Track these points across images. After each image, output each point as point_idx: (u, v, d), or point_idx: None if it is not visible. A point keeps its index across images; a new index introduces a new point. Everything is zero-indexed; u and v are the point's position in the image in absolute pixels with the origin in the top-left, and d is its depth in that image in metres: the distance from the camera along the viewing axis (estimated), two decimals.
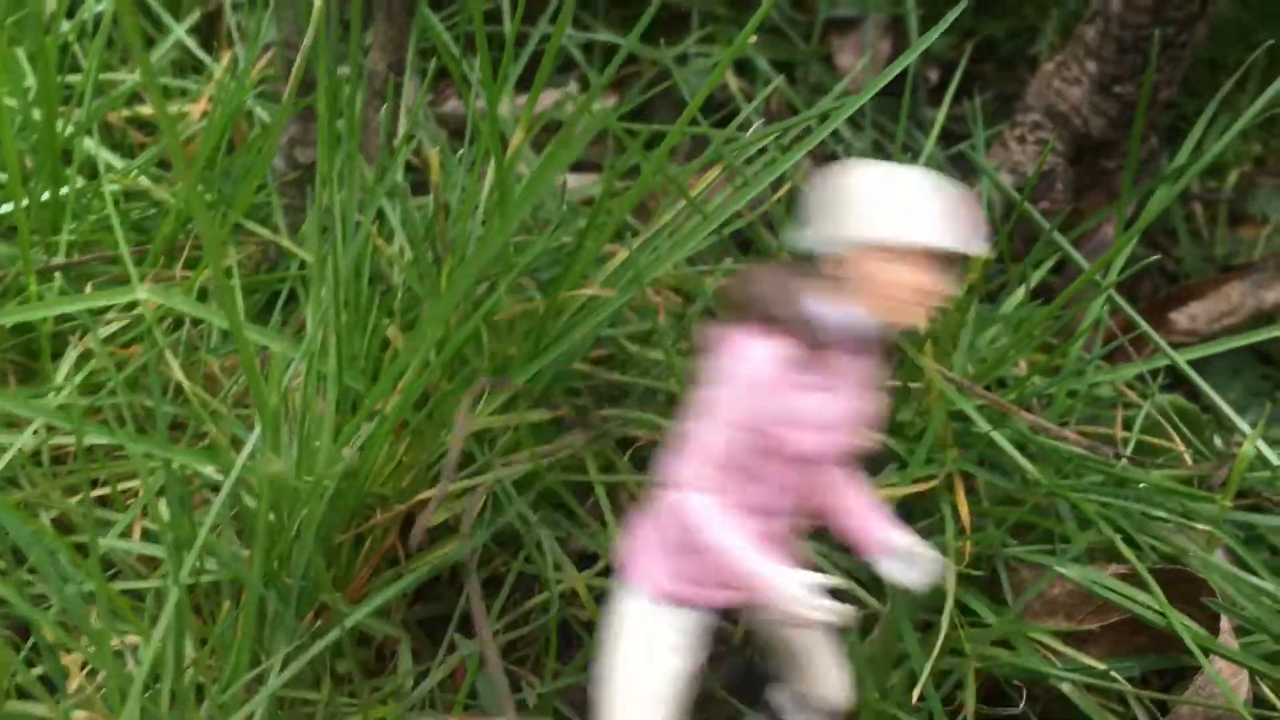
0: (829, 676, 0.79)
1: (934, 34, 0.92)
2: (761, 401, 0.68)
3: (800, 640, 0.79)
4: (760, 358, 0.68)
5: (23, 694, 0.80)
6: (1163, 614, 0.87)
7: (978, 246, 0.66)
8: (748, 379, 0.68)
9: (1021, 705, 0.89)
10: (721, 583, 0.72)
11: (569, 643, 0.93)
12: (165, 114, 0.55)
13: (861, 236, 0.65)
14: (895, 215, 0.64)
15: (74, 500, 0.91)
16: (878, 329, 0.69)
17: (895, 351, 0.73)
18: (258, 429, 0.81)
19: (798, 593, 0.66)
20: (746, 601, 0.73)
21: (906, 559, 0.74)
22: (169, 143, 0.54)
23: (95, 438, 0.85)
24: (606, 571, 0.92)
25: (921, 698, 0.85)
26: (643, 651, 0.73)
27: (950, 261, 0.66)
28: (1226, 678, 0.85)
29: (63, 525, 0.93)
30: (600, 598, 0.90)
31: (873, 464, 0.97)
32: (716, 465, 0.69)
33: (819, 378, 0.69)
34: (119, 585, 0.87)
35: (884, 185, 0.66)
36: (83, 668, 0.84)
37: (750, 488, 0.71)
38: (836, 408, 0.70)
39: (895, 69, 0.93)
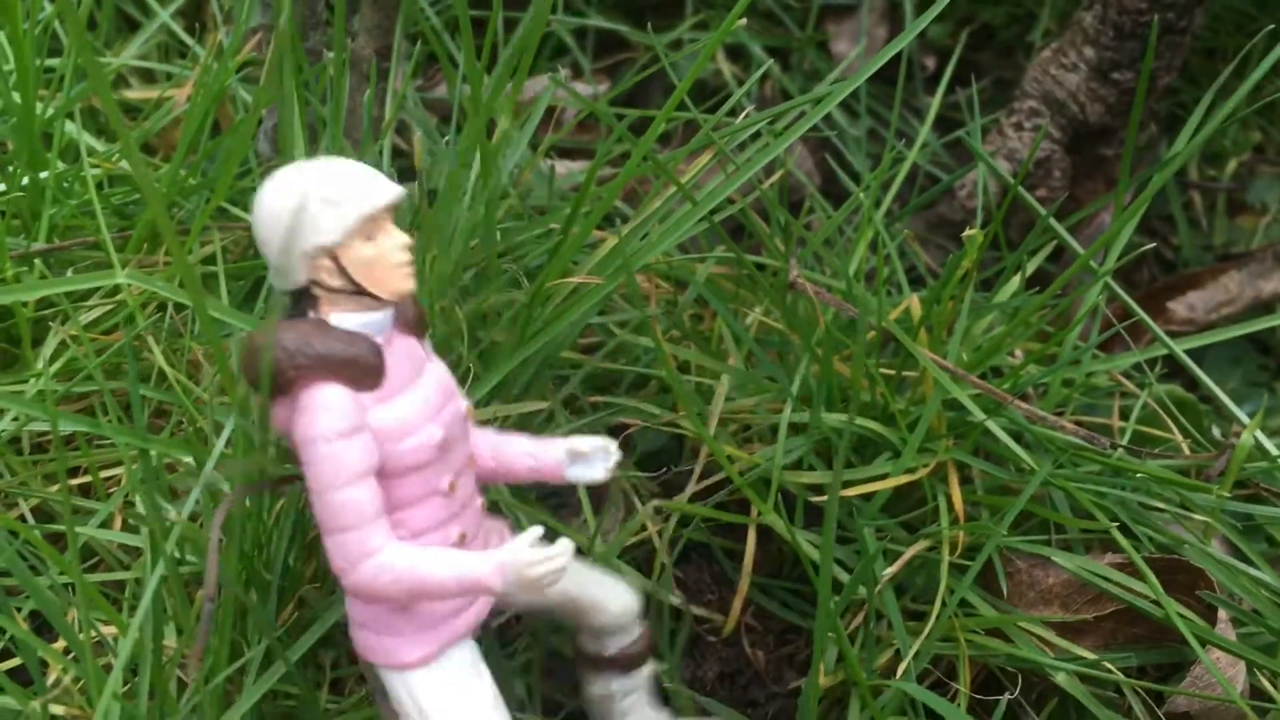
0: (607, 594, 0.80)
1: (928, 16, 0.91)
2: (361, 440, 0.67)
3: (564, 586, 0.77)
4: (330, 406, 0.66)
5: None
6: (1159, 604, 0.85)
7: (397, 187, 0.68)
8: (333, 431, 0.66)
9: (1015, 693, 0.87)
10: (453, 610, 0.72)
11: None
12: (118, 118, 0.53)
13: (326, 240, 0.66)
14: (336, 203, 0.66)
15: (55, 489, 0.90)
16: (386, 311, 0.69)
17: (423, 322, 0.73)
18: (233, 418, 0.79)
19: (526, 558, 0.66)
20: (484, 608, 0.74)
21: (583, 461, 0.76)
22: (123, 143, 0.53)
23: (72, 426, 0.84)
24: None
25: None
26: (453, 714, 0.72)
27: (391, 215, 0.68)
28: (1224, 669, 0.84)
29: (43, 514, 0.92)
30: None
31: (865, 451, 0.96)
32: (370, 520, 0.67)
33: (394, 379, 0.69)
34: (98, 576, 0.86)
35: (309, 185, 0.66)
36: (67, 653, 0.82)
37: (418, 512, 0.70)
38: (429, 391, 0.71)
39: (889, 52, 0.92)
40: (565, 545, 0.67)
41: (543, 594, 0.71)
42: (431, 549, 0.69)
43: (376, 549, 0.67)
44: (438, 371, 0.72)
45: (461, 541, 0.72)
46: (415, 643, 0.71)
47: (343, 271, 0.67)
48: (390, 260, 0.67)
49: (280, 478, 0.75)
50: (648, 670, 0.84)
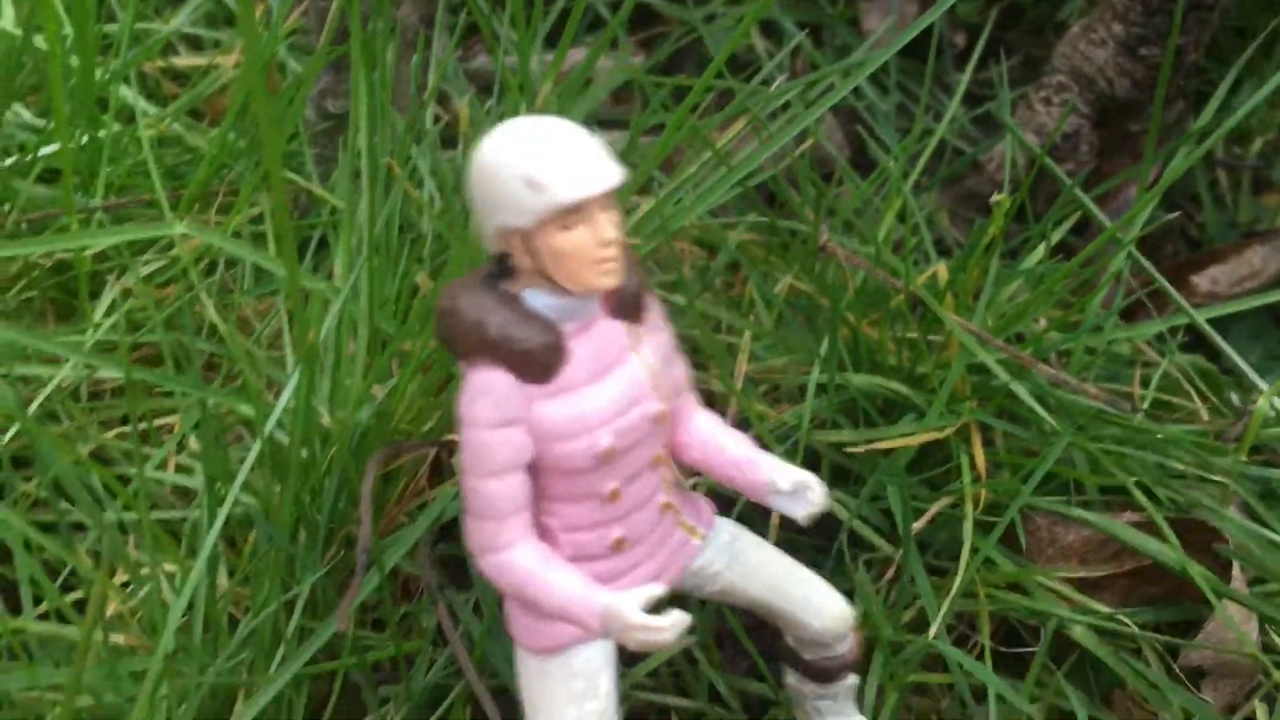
0: (814, 604, 0.76)
1: None
2: (512, 435, 0.64)
3: (765, 587, 0.75)
4: (487, 392, 0.64)
5: (62, 618, 0.83)
6: (1176, 560, 0.88)
7: (614, 173, 0.62)
8: (485, 419, 0.64)
9: (1040, 647, 0.90)
10: None
11: None
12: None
13: (517, 222, 0.62)
14: (537, 187, 0.61)
15: (111, 434, 0.94)
16: (585, 302, 0.65)
17: (638, 306, 0.67)
18: (295, 369, 0.82)
19: (630, 620, 0.64)
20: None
21: (791, 495, 0.71)
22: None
23: (141, 376, 0.88)
24: None
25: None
26: (544, 712, 0.70)
27: (606, 202, 0.63)
28: (1238, 622, 0.87)
29: (100, 459, 0.96)
30: None
31: (891, 413, 0.99)
32: (504, 516, 0.65)
33: (575, 373, 0.65)
34: (155, 515, 0.89)
35: (513, 158, 0.61)
36: (125, 586, 0.86)
37: (571, 509, 0.68)
38: (615, 391, 0.66)
39: (919, 26, 0.94)
40: (675, 620, 0.64)
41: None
42: (556, 567, 0.66)
43: (505, 545, 0.66)
44: (638, 365, 0.67)
45: (619, 548, 0.69)
46: (541, 628, 0.69)
47: (533, 255, 0.63)
48: (586, 255, 0.62)
49: (418, 442, 0.76)
50: (849, 681, 0.80)
